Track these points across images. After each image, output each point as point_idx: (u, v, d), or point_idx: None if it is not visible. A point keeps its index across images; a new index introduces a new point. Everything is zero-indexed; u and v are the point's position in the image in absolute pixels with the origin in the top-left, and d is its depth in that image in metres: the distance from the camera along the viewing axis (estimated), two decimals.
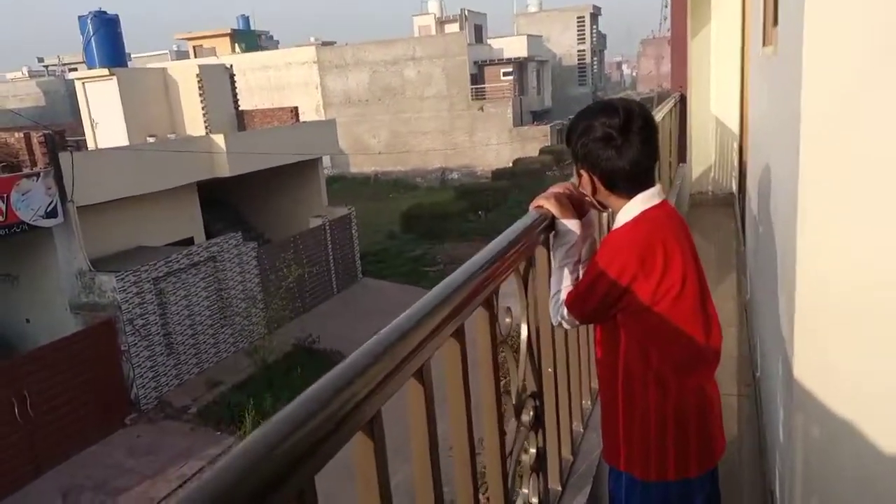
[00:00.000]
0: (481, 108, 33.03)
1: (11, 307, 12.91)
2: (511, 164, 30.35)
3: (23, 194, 11.19)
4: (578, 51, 44.77)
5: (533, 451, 1.62)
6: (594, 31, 45.51)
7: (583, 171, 1.66)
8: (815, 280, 1.83)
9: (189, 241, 14.82)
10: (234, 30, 40.66)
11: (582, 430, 2.13)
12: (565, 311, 1.67)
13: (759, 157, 3.50)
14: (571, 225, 1.70)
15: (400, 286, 18.06)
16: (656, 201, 1.64)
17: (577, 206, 1.74)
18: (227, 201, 18.04)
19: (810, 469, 1.98)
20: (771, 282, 2.63)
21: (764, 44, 3.29)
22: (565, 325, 1.72)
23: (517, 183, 27.08)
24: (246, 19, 43.79)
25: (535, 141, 32.48)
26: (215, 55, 35.00)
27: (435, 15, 41.30)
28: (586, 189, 1.67)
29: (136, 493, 10.00)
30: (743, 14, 6.08)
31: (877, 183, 1.68)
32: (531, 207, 1.74)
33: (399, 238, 22.42)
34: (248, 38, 40.70)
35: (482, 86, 34.86)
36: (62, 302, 12.28)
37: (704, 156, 7.35)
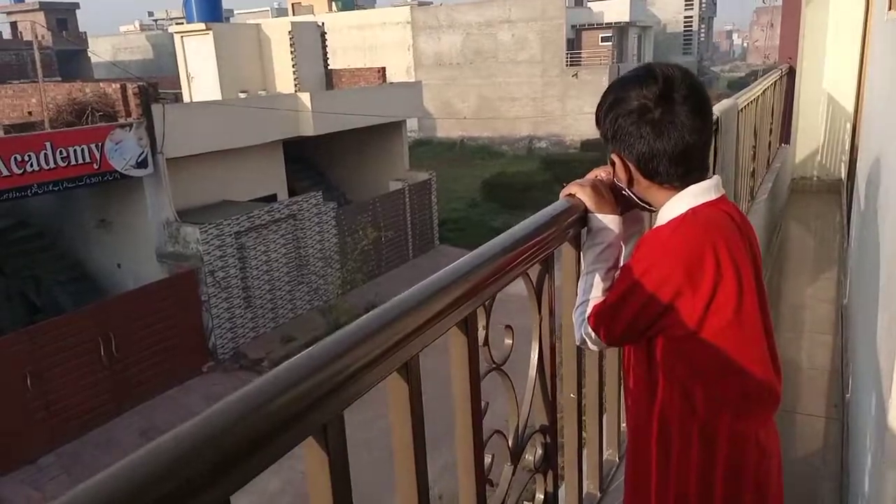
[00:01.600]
0: (576, 75, 31.82)
1: (105, 252, 13.59)
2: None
3: (116, 143, 11.62)
4: (685, 17, 42.28)
5: (540, 496, 1.32)
6: None
7: (615, 157, 1.31)
8: None
9: (272, 198, 15.08)
10: None
11: (617, 459, 1.80)
12: (590, 328, 1.33)
13: (877, 140, 2.95)
14: (608, 221, 1.35)
15: None
16: (712, 196, 1.27)
17: (620, 197, 1.40)
18: (311, 160, 18.25)
19: None
20: (873, 292, 2.18)
21: (891, 6, 2.73)
22: (590, 346, 1.38)
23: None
24: None
25: None
26: (312, 13, 35.38)
27: None
28: (621, 178, 1.32)
29: None
30: None
31: None
32: (562, 195, 1.40)
33: (480, 206, 22.11)
34: None
35: (578, 51, 33.56)
36: (150, 250, 12.79)
37: (812, 137, 6.59)
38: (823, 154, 6.65)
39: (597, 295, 1.35)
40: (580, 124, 31.06)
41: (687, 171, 1.27)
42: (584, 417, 1.56)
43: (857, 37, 5.67)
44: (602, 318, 1.31)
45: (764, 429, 1.36)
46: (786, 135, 6.18)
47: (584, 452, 1.58)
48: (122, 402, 11.18)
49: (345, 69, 20.03)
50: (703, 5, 42.77)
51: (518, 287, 1.24)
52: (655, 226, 1.33)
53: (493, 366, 1.09)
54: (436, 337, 0.89)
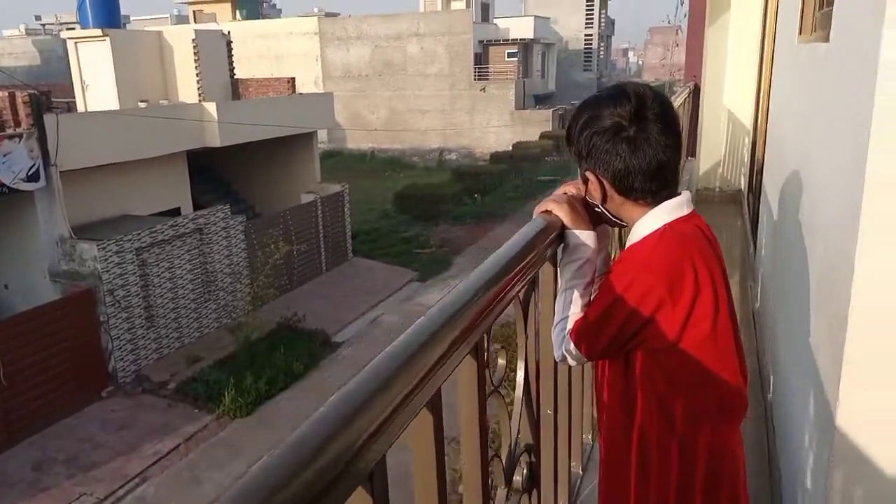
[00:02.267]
0: (483, 89, 32.43)
1: None
2: (511, 148, 29.89)
3: (3, 155, 10.74)
4: (586, 35, 44.05)
5: None
6: (603, 15, 44.80)
7: (589, 174, 1.32)
8: (877, 308, 1.50)
9: (176, 212, 14.41)
10: None
11: (581, 471, 1.81)
12: (571, 344, 1.34)
13: (786, 155, 3.16)
14: (584, 237, 1.36)
15: (390, 267, 17.74)
16: (685, 212, 1.31)
17: (590, 211, 1.41)
18: (217, 172, 17.61)
19: None
20: (800, 298, 2.32)
21: (801, 31, 2.94)
22: (570, 362, 1.39)
23: (516, 167, 26.70)
24: None
25: (536, 125, 31.94)
26: (215, 21, 34.25)
27: None
28: (595, 196, 1.33)
29: (108, 469, 9.71)
30: (766, 1, 5.70)
31: None
32: (536, 213, 1.40)
33: (392, 218, 22.04)
34: (250, 5, 39.85)
35: (486, 66, 34.24)
36: (42, 269, 11.88)
37: (714, 150, 7.01)
38: (725, 167, 7.07)
39: (576, 311, 1.35)
40: (489, 137, 31.66)
41: (661, 186, 1.30)
42: (557, 434, 1.56)
43: (754, 58, 6.08)
44: (584, 334, 1.31)
45: (734, 436, 1.41)
46: (691, 148, 6.54)
47: (558, 467, 1.58)
48: (14, 432, 10.29)
49: (252, 79, 19.50)
50: (602, 24, 44.75)
51: None
52: (630, 241, 1.35)
53: (493, 388, 1.07)
54: (454, 366, 0.85)
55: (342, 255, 18.10)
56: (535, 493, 1.32)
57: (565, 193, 1.45)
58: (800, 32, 2.90)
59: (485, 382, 0.98)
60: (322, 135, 23.84)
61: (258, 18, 37.36)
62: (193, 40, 16.96)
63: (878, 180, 1.44)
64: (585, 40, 43.93)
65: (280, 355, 12.35)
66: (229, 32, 18.79)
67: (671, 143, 1.29)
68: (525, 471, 1.28)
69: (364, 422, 0.61)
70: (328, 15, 37.10)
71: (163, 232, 12.66)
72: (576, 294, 1.37)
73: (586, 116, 1.32)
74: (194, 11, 38.56)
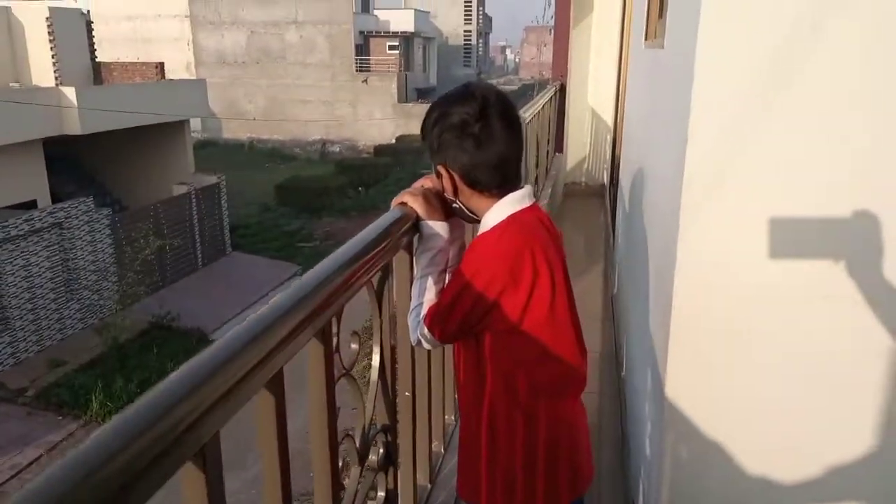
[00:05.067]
0: (365, 81, 32.23)
1: None
2: (394, 141, 29.94)
3: None
4: (464, 31, 44.85)
5: (382, 494, 1.38)
6: (480, 12, 45.76)
7: (441, 168, 1.42)
8: (692, 290, 1.71)
9: (31, 205, 13.29)
10: None
11: (443, 450, 1.92)
12: (426, 328, 1.43)
13: (635, 151, 3.44)
14: (438, 227, 1.46)
15: (272, 262, 17.31)
16: (527, 204, 1.44)
17: (446, 204, 1.51)
18: (80, 162, 16.40)
19: (678, 489, 1.89)
20: (643, 283, 2.55)
21: (647, 37, 3.21)
22: (425, 345, 1.48)
23: (400, 160, 26.78)
24: None
25: (418, 119, 30.54)
26: None
27: None
28: (447, 189, 1.43)
29: None
30: (624, 6, 6.12)
31: (765, 190, 1.58)
32: (393, 204, 1.48)
33: (274, 211, 21.48)
34: None
35: (367, 58, 34.03)
36: None
37: (580, 147, 7.42)
38: (589, 162, 7.52)
39: (431, 297, 1.44)
40: (372, 130, 31.52)
41: (504, 179, 1.42)
42: (416, 414, 1.64)
43: (614, 60, 6.51)
44: (437, 318, 1.41)
45: (574, 410, 1.55)
46: (559, 144, 6.90)
47: (416, 447, 1.67)
48: None
49: (116, 62, 18.30)
50: (481, 21, 45.72)
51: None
52: (480, 231, 1.46)
53: (344, 371, 1.13)
54: (298, 349, 0.91)
55: (220, 249, 17.43)
56: (392, 471, 1.40)
57: (423, 186, 1.53)
58: (645, 38, 3.16)
59: (332, 365, 1.03)
60: (195, 123, 22.79)
61: None
62: (48, 18, 15.64)
63: (694, 175, 1.64)
64: (465, 36, 44.74)
65: (153, 356, 11.76)
66: (89, 12, 17.50)
67: (513, 140, 1.41)
68: (381, 450, 1.35)
69: (191, 402, 0.65)
70: None
71: (16, 226, 11.67)
72: (430, 281, 1.46)
73: (436, 114, 1.42)
74: None
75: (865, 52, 1.46)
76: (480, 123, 1.36)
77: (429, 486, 1.78)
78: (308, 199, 21.27)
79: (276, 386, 0.84)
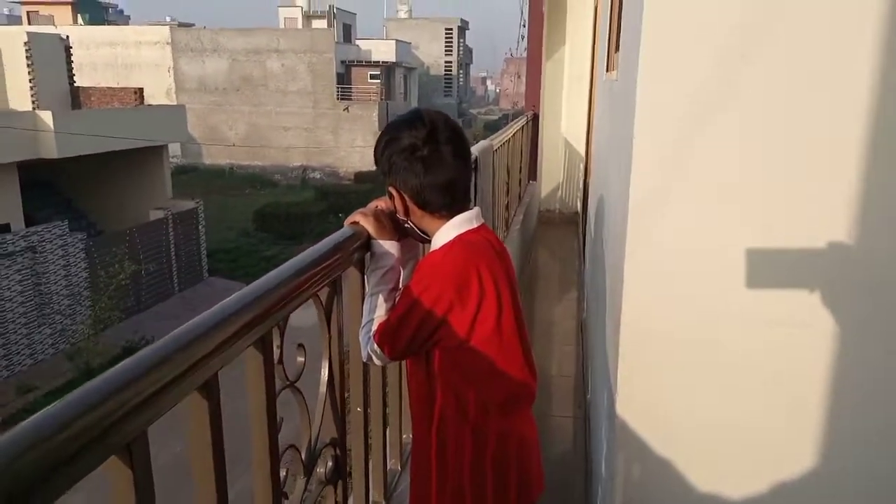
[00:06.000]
0: (347, 109, 32.47)
1: None
2: (375, 168, 29.97)
3: None
4: (445, 62, 45.47)
5: None
6: (461, 44, 46.47)
7: (392, 189, 1.48)
8: (640, 310, 1.77)
9: (5, 228, 13.13)
10: None
11: (399, 467, 1.94)
12: (376, 345, 1.46)
13: (598, 179, 3.53)
14: (388, 246, 1.50)
15: None
16: (474, 225, 1.49)
17: (398, 224, 1.56)
18: (56, 186, 16.27)
19: None
20: (602, 306, 2.62)
21: (608, 69, 3.32)
22: (376, 361, 1.51)
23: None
24: None
25: None
26: (53, 24, 31.74)
27: (302, 8, 40.10)
28: (398, 209, 1.49)
29: None
30: (594, 40, 6.29)
31: (705, 213, 1.64)
32: (346, 223, 1.53)
33: (253, 236, 21.41)
34: (94, 10, 37.42)
35: (349, 86, 34.32)
36: None
37: (554, 175, 7.55)
38: (563, 190, 7.64)
39: (381, 314, 1.48)
40: (353, 157, 31.67)
41: (452, 201, 1.48)
42: (370, 430, 1.67)
43: (585, 91, 6.67)
44: (386, 335, 1.45)
45: (527, 420, 1.60)
46: (533, 173, 7.01)
47: (370, 463, 1.69)
48: None
49: (94, 87, 18.29)
50: (461, 52, 46.41)
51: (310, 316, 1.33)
52: (430, 251, 1.51)
53: (287, 383, 1.17)
54: (234, 356, 0.94)
55: (196, 275, 17.31)
56: (340, 484, 1.42)
57: (375, 207, 1.59)
58: (607, 70, 3.28)
59: (272, 375, 1.07)
60: (175, 149, 22.77)
61: (102, 24, 35.03)
62: (26, 43, 15.63)
63: (639, 200, 1.71)
64: (446, 67, 45.33)
65: None
66: (68, 37, 17.51)
67: (460, 163, 1.47)
68: (330, 463, 1.38)
69: (118, 400, 0.68)
70: (182, 25, 35.51)
71: None
72: (380, 299, 1.50)
73: (387, 138, 1.48)
74: (28, 12, 35.60)
75: (792, 77, 1.54)
76: (429, 147, 1.42)
77: (383, 502, 1.80)
78: (288, 225, 21.25)
79: (210, 390, 0.87)
